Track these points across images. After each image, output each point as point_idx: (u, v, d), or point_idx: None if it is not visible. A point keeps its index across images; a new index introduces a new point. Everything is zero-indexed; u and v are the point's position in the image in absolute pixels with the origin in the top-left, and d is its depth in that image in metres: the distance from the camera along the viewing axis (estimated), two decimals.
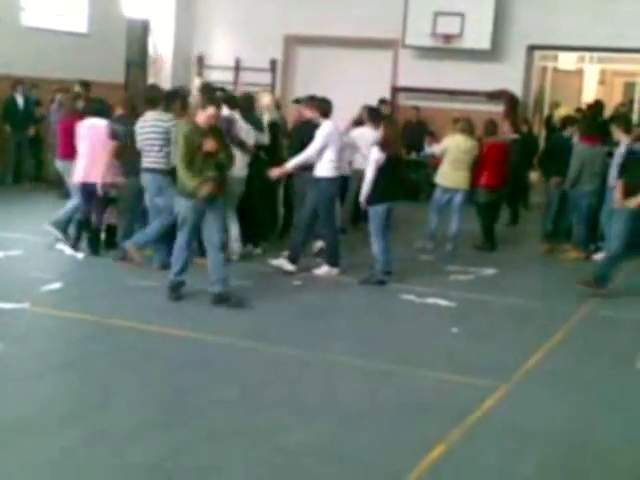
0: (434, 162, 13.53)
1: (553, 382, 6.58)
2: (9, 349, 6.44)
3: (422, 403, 5.94)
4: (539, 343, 7.44)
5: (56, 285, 8.33)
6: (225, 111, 9.38)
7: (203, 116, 7.92)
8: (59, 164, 10.87)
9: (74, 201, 10.04)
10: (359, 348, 7.08)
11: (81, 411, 5.41)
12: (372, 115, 11.35)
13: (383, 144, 9.10)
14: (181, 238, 8.08)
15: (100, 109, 9.98)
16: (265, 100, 10.59)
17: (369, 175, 9.09)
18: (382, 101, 16.26)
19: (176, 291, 8.13)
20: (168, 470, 4.68)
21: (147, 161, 9.04)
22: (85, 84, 13.70)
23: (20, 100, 14.57)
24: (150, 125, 9.04)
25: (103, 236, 9.96)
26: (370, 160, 9.15)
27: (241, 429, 5.29)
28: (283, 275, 9.19)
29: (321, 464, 4.89)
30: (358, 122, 11.92)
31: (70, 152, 10.22)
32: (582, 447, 5.45)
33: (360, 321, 8.02)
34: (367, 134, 11.06)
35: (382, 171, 9.03)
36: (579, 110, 16.25)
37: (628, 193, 8.99)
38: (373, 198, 9.09)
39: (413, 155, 16.49)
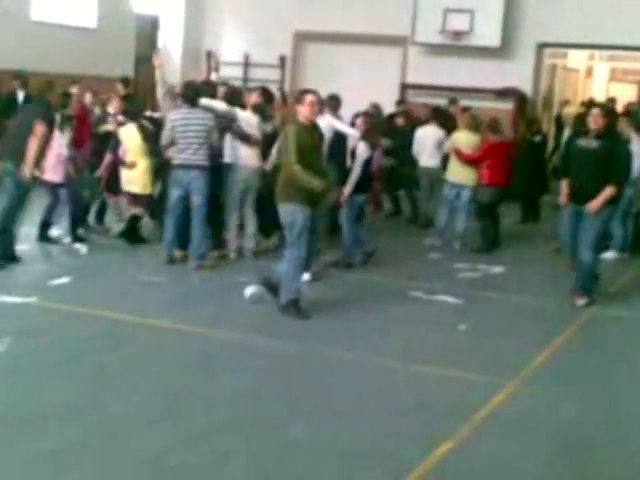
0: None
1: (561, 379, 6.56)
2: (17, 343, 6.45)
3: (429, 400, 5.93)
4: (547, 340, 7.41)
5: (64, 279, 8.34)
6: (223, 106, 9.48)
7: (305, 111, 7.48)
8: None
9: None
10: (364, 344, 7.07)
11: (87, 404, 5.42)
12: (436, 114, 11.89)
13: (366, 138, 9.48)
14: (296, 251, 7.46)
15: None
16: (252, 99, 10.60)
17: (357, 169, 9.35)
18: (400, 102, 16.22)
19: (300, 309, 7.58)
20: (172, 462, 4.69)
21: (187, 158, 9.02)
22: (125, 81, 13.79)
23: (21, 95, 14.47)
24: (193, 122, 9.05)
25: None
26: (357, 155, 9.44)
27: (245, 423, 5.30)
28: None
29: (325, 460, 4.88)
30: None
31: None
32: (590, 443, 5.43)
33: (366, 317, 8.00)
34: (430, 134, 11.80)
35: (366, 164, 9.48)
36: (588, 105, 16.20)
37: None
38: (355, 189, 9.39)
39: None
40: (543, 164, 14.25)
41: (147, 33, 18.74)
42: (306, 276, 8.29)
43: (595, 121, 8.23)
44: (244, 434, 5.13)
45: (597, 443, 5.46)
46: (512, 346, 7.29)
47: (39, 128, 8.42)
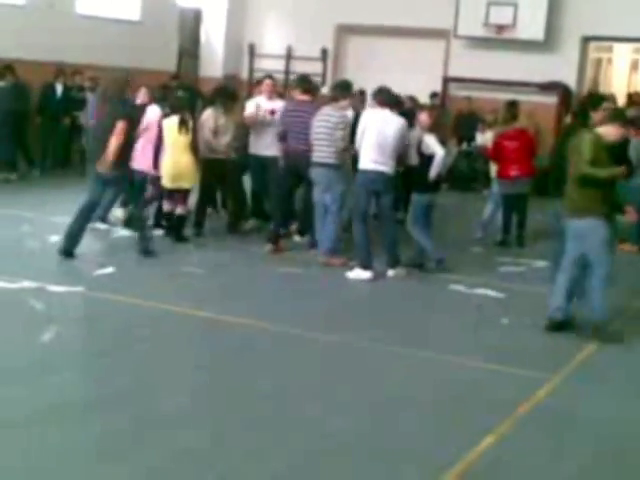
0: (484, 153, 13.47)
1: (605, 374, 6.52)
2: (63, 332, 6.55)
3: (470, 394, 5.92)
4: (589, 335, 7.34)
5: (109, 269, 8.44)
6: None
7: (614, 131, 7.21)
8: None
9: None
10: (406, 337, 7.07)
11: (129, 394, 5.47)
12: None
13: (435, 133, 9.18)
14: (602, 271, 7.09)
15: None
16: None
17: (436, 166, 9.02)
18: (434, 95, 16.19)
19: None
20: (211, 455, 4.72)
21: (318, 155, 9.16)
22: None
23: (59, 88, 14.61)
24: (322, 119, 9.18)
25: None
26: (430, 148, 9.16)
27: (284, 417, 5.31)
28: (327, 263, 9.14)
29: (364, 455, 4.88)
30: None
31: None
32: (632, 441, 5.40)
33: (408, 311, 8.00)
34: None
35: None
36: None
37: None
38: (419, 189, 9.16)
39: (464, 146, 16.44)
40: None
41: (190, 26, 18.85)
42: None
43: None
44: (281, 429, 5.13)
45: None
46: (555, 341, 7.24)
47: (120, 126, 8.64)
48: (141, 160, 9.85)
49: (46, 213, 10.98)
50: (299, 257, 9.46)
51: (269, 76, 11.27)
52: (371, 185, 8.73)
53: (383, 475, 4.65)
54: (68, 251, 8.70)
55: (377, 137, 8.66)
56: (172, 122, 9.72)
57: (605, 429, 5.49)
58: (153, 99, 10.50)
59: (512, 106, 11.45)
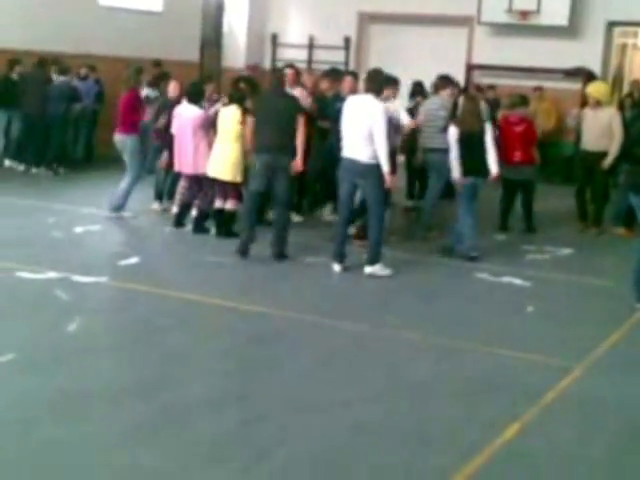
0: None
1: (631, 363, 6.47)
2: (87, 321, 6.59)
3: (496, 381, 5.89)
4: (617, 323, 7.31)
5: (134, 260, 8.47)
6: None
7: None
8: (116, 138, 10.64)
9: (127, 179, 10.27)
10: (431, 325, 7.05)
11: (154, 383, 5.49)
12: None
13: (458, 120, 9.28)
14: None
15: (195, 92, 10.05)
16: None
17: (452, 152, 9.20)
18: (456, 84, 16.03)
19: None
20: (237, 442, 4.72)
21: (432, 142, 9.89)
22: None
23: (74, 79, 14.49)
24: (436, 108, 9.76)
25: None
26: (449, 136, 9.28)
27: (311, 404, 5.31)
28: (354, 249, 9.12)
29: (392, 442, 4.88)
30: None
31: (129, 128, 10.39)
32: None
33: (433, 299, 7.98)
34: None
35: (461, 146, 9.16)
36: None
37: None
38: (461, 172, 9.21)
39: None
40: None
41: (213, 16, 18.84)
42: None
43: None
44: (310, 416, 5.14)
45: None
46: (581, 328, 7.20)
47: (302, 120, 8.84)
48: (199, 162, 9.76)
49: (73, 204, 11.04)
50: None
51: (290, 65, 11.25)
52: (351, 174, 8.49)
53: (410, 460, 4.64)
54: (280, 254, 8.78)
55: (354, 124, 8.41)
56: (229, 112, 9.43)
57: (633, 417, 5.45)
58: (183, 94, 10.32)
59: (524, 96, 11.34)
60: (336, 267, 8.52)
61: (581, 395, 5.76)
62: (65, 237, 9.28)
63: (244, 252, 8.71)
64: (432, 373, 6.04)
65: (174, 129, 10.02)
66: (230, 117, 9.37)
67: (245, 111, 9.30)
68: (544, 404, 5.49)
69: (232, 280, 8.20)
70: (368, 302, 7.77)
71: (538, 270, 9.05)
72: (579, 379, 6.01)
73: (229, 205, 9.55)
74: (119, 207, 10.27)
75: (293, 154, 8.77)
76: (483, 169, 9.19)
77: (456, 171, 9.18)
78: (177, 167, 10.04)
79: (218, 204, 9.57)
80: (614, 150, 10.70)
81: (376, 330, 6.82)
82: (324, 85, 11.00)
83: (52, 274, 7.65)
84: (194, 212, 10.04)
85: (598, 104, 10.87)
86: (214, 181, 9.49)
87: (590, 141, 10.90)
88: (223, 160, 9.34)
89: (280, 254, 8.79)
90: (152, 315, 6.94)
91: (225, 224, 9.59)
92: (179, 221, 9.93)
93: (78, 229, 9.57)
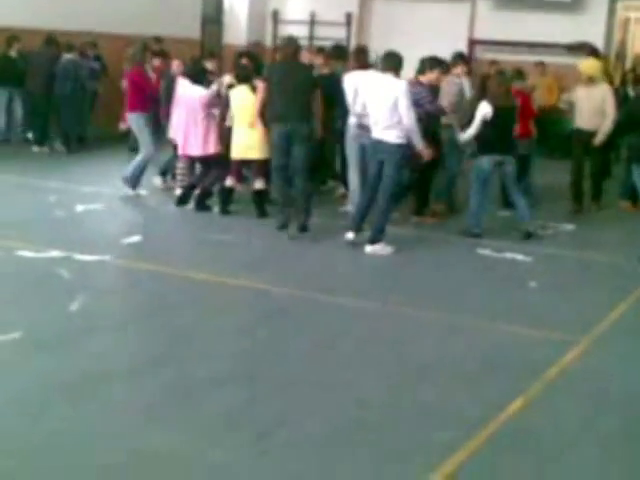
0: None
1: (634, 337, 6.47)
2: (91, 301, 6.58)
3: (500, 357, 5.89)
4: (620, 298, 7.31)
5: (136, 238, 8.46)
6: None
7: None
8: (128, 117, 10.72)
9: (142, 155, 10.23)
10: (434, 302, 7.05)
11: (159, 361, 5.50)
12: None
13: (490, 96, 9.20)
14: None
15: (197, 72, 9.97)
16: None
17: (473, 128, 9.17)
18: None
19: None
20: (244, 420, 4.74)
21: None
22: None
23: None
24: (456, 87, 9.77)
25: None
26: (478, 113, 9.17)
27: (317, 382, 5.32)
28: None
29: (397, 418, 4.89)
30: None
31: (136, 105, 10.33)
32: None
33: (435, 275, 7.97)
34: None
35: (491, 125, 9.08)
36: None
37: None
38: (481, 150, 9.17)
39: None
40: None
41: None
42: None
43: None
44: (317, 393, 5.15)
45: None
46: (584, 303, 7.20)
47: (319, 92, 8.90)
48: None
49: (74, 183, 11.03)
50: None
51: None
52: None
53: (414, 436, 4.65)
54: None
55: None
56: (242, 93, 9.32)
57: (635, 393, 5.45)
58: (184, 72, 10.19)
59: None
60: (349, 235, 8.50)
61: (585, 370, 5.76)
62: (67, 216, 9.27)
63: (285, 226, 8.82)
64: (435, 349, 6.04)
65: (177, 113, 9.94)
66: (245, 98, 9.28)
67: (254, 88, 9.24)
68: (548, 379, 5.49)
69: (237, 258, 8.18)
70: (371, 279, 7.77)
71: (541, 246, 9.03)
72: (583, 354, 6.01)
73: (258, 185, 9.49)
74: (127, 180, 10.24)
75: (310, 123, 8.76)
76: (513, 147, 9.21)
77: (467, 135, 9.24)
78: (182, 151, 9.93)
79: (229, 182, 9.54)
80: (605, 128, 10.61)
81: (379, 307, 6.81)
82: (318, 61, 10.85)
83: (54, 253, 7.64)
84: (159, 183, 10.18)
85: (591, 80, 10.76)
86: (242, 162, 9.48)
87: (584, 119, 10.79)
88: (249, 141, 9.25)
89: (303, 226, 8.77)
90: (157, 293, 6.94)
91: (260, 204, 9.52)
92: (183, 200, 9.86)
93: (79, 207, 9.56)
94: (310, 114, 8.78)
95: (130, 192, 10.25)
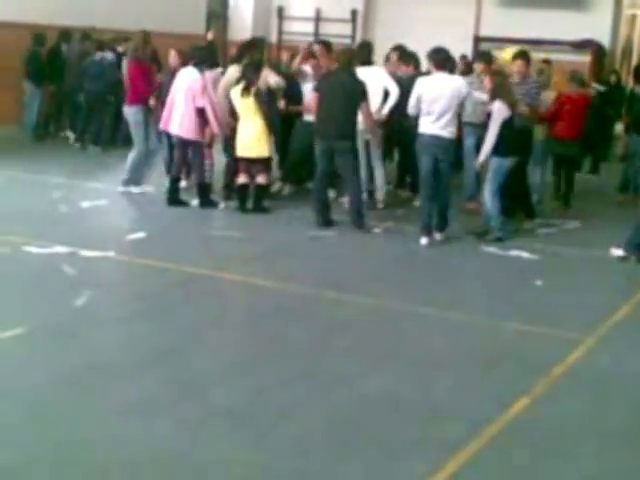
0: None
1: None
2: (95, 296, 6.57)
3: (505, 355, 5.88)
4: (626, 296, 7.29)
5: (140, 234, 8.45)
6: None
7: None
8: (125, 110, 10.63)
9: (135, 152, 10.21)
10: (439, 299, 7.03)
11: (163, 356, 5.49)
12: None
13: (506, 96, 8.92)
14: None
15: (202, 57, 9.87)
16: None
17: (493, 131, 8.71)
18: (464, 57, 15.92)
19: None
20: (248, 413, 4.73)
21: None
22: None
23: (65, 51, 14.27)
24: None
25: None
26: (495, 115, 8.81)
27: (319, 377, 5.32)
28: (362, 226, 9.09)
29: (401, 415, 4.87)
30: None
31: (134, 98, 10.26)
32: None
33: (442, 274, 7.96)
34: None
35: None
36: None
37: None
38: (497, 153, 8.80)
39: None
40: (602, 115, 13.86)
41: None
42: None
43: None
44: (318, 388, 5.14)
45: None
46: (590, 301, 7.18)
47: (366, 105, 8.94)
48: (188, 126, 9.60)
49: (78, 179, 11.02)
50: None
51: (321, 42, 11.06)
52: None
53: (417, 433, 4.64)
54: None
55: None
56: (238, 89, 9.36)
57: None
58: (184, 62, 10.05)
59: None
60: (423, 240, 8.59)
61: (590, 368, 5.74)
62: (71, 212, 9.26)
63: (329, 223, 9.06)
64: (441, 346, 6.02)
65: (170, 97, 9.80)
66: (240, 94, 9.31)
67: (248, 85, 9.23)
68: (554, 377, 5.48)
69: (242, 254, 8.18)
70: (378, 275, 7.73)
71: (546, 243, 9.00)
72: (589, 352, 5.99)
73: (260, 180, 9.48)
74: (128, 181, 10.22)
75: (353, 138, 8.92)
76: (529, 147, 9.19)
77: (487, 150, 8.76)
78: (163, 125, 9.80)
79: (242, 180, 9.50)
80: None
81: (381, 303, 6.80)
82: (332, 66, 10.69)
83: (59, 248, 7.64)
84: (183, 184, 10.06)
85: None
86: (248, 161, 9.44)
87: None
88: (248, 138, 9.30)
89: (361, 225, 8.96)
90: (160, 289, 6.92)
91: (257, 199, 9.53)
92: (172, 198, 9.68)
93: (84, 204, 9.55)
94: (354, 130, 8.93)
95: (135, 189, 10.22)
